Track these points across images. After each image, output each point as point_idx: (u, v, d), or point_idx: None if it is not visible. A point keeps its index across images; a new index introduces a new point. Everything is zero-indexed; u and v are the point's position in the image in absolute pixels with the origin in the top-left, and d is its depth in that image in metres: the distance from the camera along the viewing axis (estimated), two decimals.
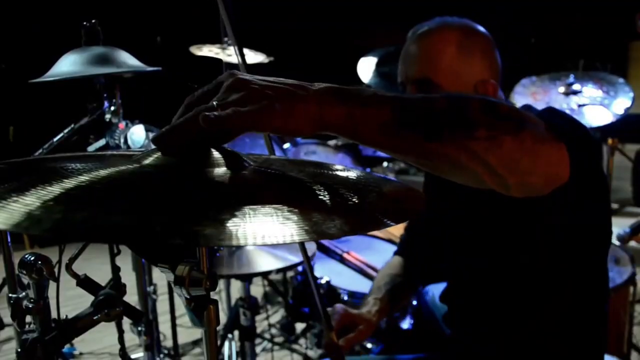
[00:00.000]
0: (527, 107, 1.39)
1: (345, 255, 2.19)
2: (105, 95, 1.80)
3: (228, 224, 0.57)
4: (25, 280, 0.86)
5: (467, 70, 1.39)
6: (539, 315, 1.34)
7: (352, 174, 0.85)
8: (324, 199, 0.69)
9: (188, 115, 0.72)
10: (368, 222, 0.66)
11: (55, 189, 0.61)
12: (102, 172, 0.68)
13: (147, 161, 0.71)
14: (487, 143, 0.78)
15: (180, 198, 0.63)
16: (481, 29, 1.44)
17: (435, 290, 2.02)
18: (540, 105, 1.43)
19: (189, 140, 0.71)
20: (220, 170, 0.70)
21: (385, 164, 4.08)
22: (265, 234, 0.56)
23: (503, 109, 0.81)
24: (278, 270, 1.91)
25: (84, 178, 0.65)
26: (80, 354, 3.09)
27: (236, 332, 2.33)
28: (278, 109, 0.71)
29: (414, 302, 2.00)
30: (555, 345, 1.34)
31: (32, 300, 0.86)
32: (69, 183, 0.63)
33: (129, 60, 1.63)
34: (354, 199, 0.71)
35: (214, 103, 0.71)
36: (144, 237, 0.57)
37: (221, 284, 3.02)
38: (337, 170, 0.86)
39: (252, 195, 0.67)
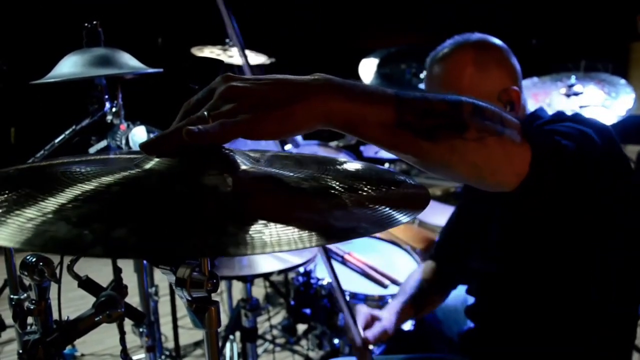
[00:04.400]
0: (577, 114, 1.40)
1: (346, 256, 2.19)
2: (106, 96, 1.80)
3: (246, 234, 0.56)
4: (27, 281, 0.85)
5: (487, 84, 1.43)
6: (566, 312, 1.36)
7: (356, 168, 0.86)
8: (339, 197, 0.69)
9: (176, 125, 0.71)
10: (380, 221, 0.66)
11: (61, 200, 0.61)
12: (109, 179, 0.67)
13: (148, 165, 0.71)
14: (476, 144, 0.83)
15: (185, 210, 0.62)
16: (493, 40, 1.49)
17: None
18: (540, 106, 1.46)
19: (176, 149, 0.71)
20: (220, 177, 0.69)
21: (386, 165, 4.08)
22: (294, 240, 0.56)
23: (488, 112, 0.86)
24: (279, 272, 1.91)
25: (88, 187, 0.65)
26: (82, 355, 3.09)
27: (238, 334, 2.34)
28: (271, 116, 0.71)
29: None
30: (583, 344, 1.36)
31: (33, 302, 0.86)
32: (73, 192, 0.63)
33: (130, 61, 1.63)
34: (361, 199, 0.71)
35: (205, 114, 0.71)
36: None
37: (223, 285, 3.02)
38: (339, 165, 0.85)
39: (260, 202, 0.66)
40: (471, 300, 1.68)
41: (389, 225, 0.66)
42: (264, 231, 0.57)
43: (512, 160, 0.90)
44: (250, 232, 0.57)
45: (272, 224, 0.59)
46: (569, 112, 1.36)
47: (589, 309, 1.34)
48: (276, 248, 0.55)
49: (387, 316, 1.55)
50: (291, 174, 0.76)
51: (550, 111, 1.43)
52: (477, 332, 1.60)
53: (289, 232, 0.58)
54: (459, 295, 1.94)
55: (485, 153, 0.85)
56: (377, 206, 0.69)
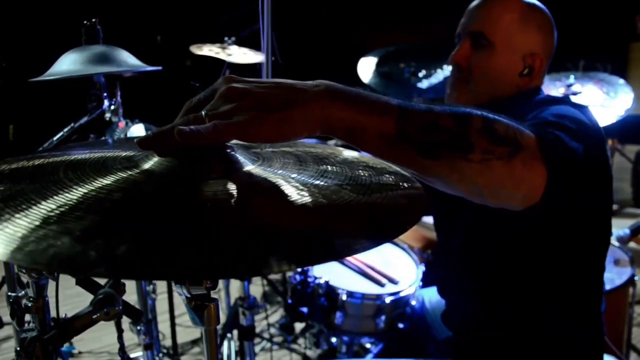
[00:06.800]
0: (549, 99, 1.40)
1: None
2: (105, 94, 1.80)
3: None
4: (25, 279, 0.85)
5: (521, 37, 1.43)
6: (535, 315, 1.35)
7: (354, 170, 0.85)
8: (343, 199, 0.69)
9: (174, 123, 0.71)
10: (384, 232, 0.66)
11: (54, 207, 0.60)
12: (104, 182, 0.67)
13: (147, 165, 0.71)
14: (480, 166, 0.80)
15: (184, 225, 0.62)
16: (545, 8, 1.49)
17: (426, 295, 2.02)
18: None
19: (172, 147, 0.70)
20: (221, 182, 0.69)
21: None
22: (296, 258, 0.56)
23: (500, 131, 0.82)
24: None
25: (85, 191, 0.64)
26: (79, 352, 3.09)
27: (235, 332, 2.34)
28: (268, 119, 0.70)
29: (413, 303, 2.00)
30: (553, 345, 1.34)
31: (31, 299, 0.86)
32: (69, 199, 0.63)
33: (129, 59, 1.63)
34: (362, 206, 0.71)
35: (202, 113, 0.71)
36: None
37: (220, 283, 3.02)
38: (338, 164, 0.85)
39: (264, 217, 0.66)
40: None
41: (385, 240, 0.65)
42: (261, 247, 0.57)
43: (520, 185, 0.86)
44: (249, 250, 0.56)
45: (270, 240, 0.58)
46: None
47: (584, 304, 1.34)
48: (275, 269, 0.55)
49: None
50: (292, 176, 0.75)
51: None
52: (455, 340, 1.59)
53: (289, 249, 0.58)
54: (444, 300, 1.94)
55: (488, 176, 0.82)
56: (374, 218, 0.69)
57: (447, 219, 1.57)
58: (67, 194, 0.64)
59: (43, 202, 0.62)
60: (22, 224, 0.57)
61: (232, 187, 0.68)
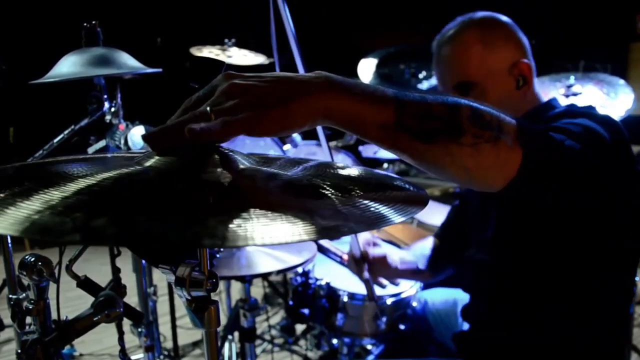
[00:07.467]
0: (590, 107, 1.40)
1: (345, 256, 2.18)
2: (105, 96, 1.80)
3: (240, 226, 0.56)
4: (26, 281, 0.85)
5: (496, 60, 1.45)
6: (560, 310, 1.37)
7: (355, 172, 0.85)
8: (330, 197, 0.69)
9: (181, 118, 0.72)
10: (374, 219, 0.66)
11: (58, 193, 0.61)
12: (104, 175, 0.67)
13: (148, 163, 0.71)
14: (470, 150, 0.84)
15: (182, 201, 0.62)
16: (498, 16, 1.50)
17: (429, 296, 2.02)
18: None
19: (179, 142, 0.71)
20: (220, 172, 0.69)
21: (385, 165, 4.08)
22: (272, 235, 0.55)
23: (487, 117, 0.86)
24: (278, 272, 1.91)
25: (86, 182, 0.65)
26: (80, 355, 3.09)
27: (236, 334, 2.33)
28: (271, 113, 0.71)
29: (414, 304, 2.00)
30: (575, 342, 1.35)
31: (32, 302, 0.86)
32: (71, 187, 0.63)
33: (129, 61, 1.63)
34: (359, 197, 0.71)
35: (207, 109, 0.71)
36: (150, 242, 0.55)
37: (221, 285, 3.02)
38: (339, 169, 0.85)
39: (256, 197, 0.66)
40: (464, 302, 1.68)
41: (376, 225, 0.65)
42: (243, 225, 0.56)
43: (503, 166, 0.90)
44: (229, 226, 0.56)
45: (253, 219, 0.58)
46: (581, 105, 1.36)
47: (586, 304, 1.34)
48: (249, 242, 0.54)
49: (393, 254, 1.71)
50: (285, 172, 0.76)
51: None
52: (472, 333, 1.60)
53: (269, 228, 0.57)
54: (449, 300, 1.94)
55: (477, 159, 0.85)
56: (367, 206, 0.69)
57: (482, 215, 1.58)
58: (62, 185, 0.64)
59: (41, 189, 0.62)
60: (11, 202, 0.58)
61: (224, 177, 0.68)
